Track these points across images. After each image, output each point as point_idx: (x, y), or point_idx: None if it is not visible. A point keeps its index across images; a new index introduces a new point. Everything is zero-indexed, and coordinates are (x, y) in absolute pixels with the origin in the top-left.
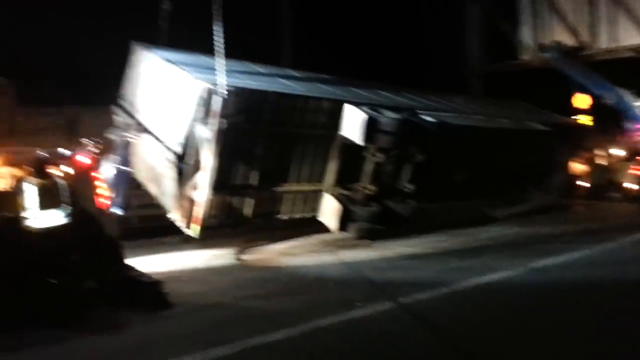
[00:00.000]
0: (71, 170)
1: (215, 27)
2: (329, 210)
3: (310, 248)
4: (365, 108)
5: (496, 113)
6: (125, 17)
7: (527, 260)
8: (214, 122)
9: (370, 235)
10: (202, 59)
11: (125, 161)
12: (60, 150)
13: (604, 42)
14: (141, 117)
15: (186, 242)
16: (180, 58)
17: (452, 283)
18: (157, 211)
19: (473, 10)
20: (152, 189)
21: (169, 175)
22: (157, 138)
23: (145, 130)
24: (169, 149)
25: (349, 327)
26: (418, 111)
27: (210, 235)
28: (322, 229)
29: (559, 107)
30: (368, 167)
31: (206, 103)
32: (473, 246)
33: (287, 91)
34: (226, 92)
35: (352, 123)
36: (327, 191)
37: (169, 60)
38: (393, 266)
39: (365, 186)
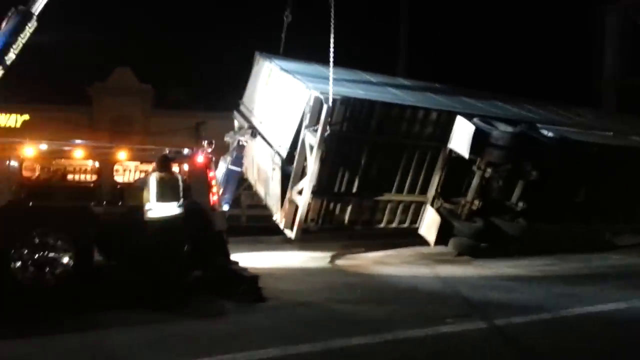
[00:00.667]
0: (189, 168)
1: (331, 39)
2: (430, 223)
3: (405, 259)
4: (476, 120)
5: (629, 130)
6: (251, 28)
7: None
8: (320, 129)
9: (472, 252)
10: (317, 69)
11: (238, 162)
12: (182, 149)
13: None
14: (256, 121)
15: (286, 242)
16: (296, 67)
17: (557, 309)
18: (263, 212)
19: (612, 19)
20: (259, 190)
21: (275, 177)
22: (267, 142)
23: (258, 134)
24: (276, 152)
25: (434, 341)
26: (537, 125)
27: (309, 238)
28: (420, 241)
29: None
30: (475, 182)
31: (314, 110)
32: (586, 273)
33: (395, 101)
34: (333, 101)
35: (461, 135)
36: (429, 203)
37: (284, 69)
38: (492, 286)
39: (471, 201)
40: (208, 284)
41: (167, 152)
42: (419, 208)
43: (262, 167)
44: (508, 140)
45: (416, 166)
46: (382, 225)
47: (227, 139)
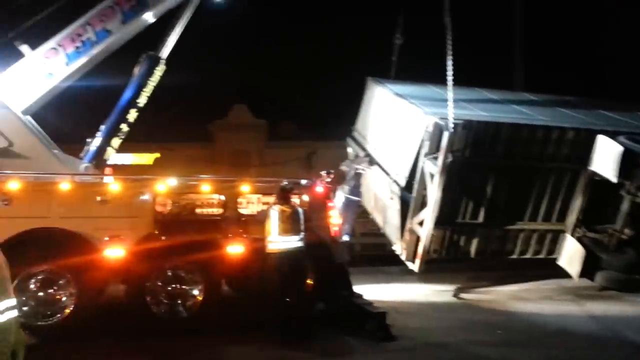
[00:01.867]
0: (308, 199)
1: (447, 60)
2: (571, 254)
3: (545, 293)
4: (622, 139)
5: None
6: (359, 54)
7: None
8: (441, 157)
9: (623, 286)
10: (432, 90)
11: (355, 191)
12: (301, 180)
13: None
14: (370, 148)
15: (406, 273)
16: (410, 91)
17: None
18: (377, 240)
19: None
20: (377, 218)
21: (393, 207)
22: (384, 170)
23: (374, 161)
24: (394, 181)
25: None
26: None
27: (432, 269)
28: (556, 273)
29: None
30: (624, 208)
31: (433, 137)
32: None
33: (522, 121)
34: (453, 126)
35: (606, 156)
36: (569, 232)
37: (398, 94)
38: None
39: (620, 230)
40: (331, 319)
41: (286, 183)
42: (556, 237)
43: (379, 195)
44: None
45: (552, 191)
46: (514, 256)
47: (343, 167)
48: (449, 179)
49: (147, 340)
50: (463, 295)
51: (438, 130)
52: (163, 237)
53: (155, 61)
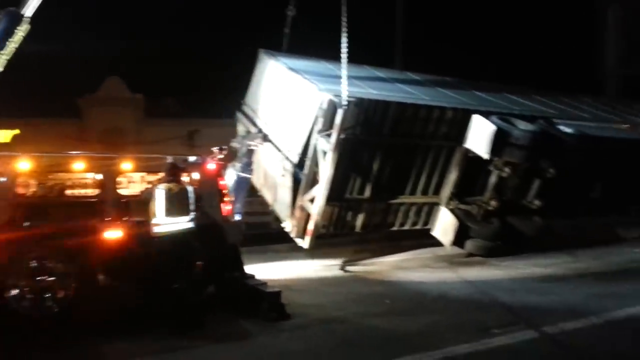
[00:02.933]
0: (199, 177)
1: (342, 37)
2: (445, 225)
3: (424, 262)
4: (494, 118)
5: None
6: (242, 29)
7: None
8: (335, 134)
9: (489, 253)
10: (325, 66)
11: (247, 169)
12: (190, 157)
13: None
14: (262, 123)
15: (293, 250)
16: (303, 66)
17: (602, 311)
18: (262, 219)
19: (614, 10)
20: (267, 196)
21: (285, 184)
22: (276, 146)
23: (265, 138)
24: (287, 158)
25: (488, 357)
26: (554, 120)
27: (317, 244)
28: (431, 242)
29: None
30: (491, 181)
31: (327, 114)
32: (616, 270)
33: (409, 100)
34: (347, 104)
35: (480, 135)
36: (443, 204)
37: (291, 69)
38: (527, 289)
39: (487, 201)
40: (224, 302)
41: (174, 160)
42: (431, 209)
43: (270, 172)
44: (529, 139)
45: (430, 167)
46: (395, 227)
47: (234, 144)
48: (341, 155)
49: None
50: (350, 268)
51: (332, 107)
52: (25, 224)
53: (17, 18)
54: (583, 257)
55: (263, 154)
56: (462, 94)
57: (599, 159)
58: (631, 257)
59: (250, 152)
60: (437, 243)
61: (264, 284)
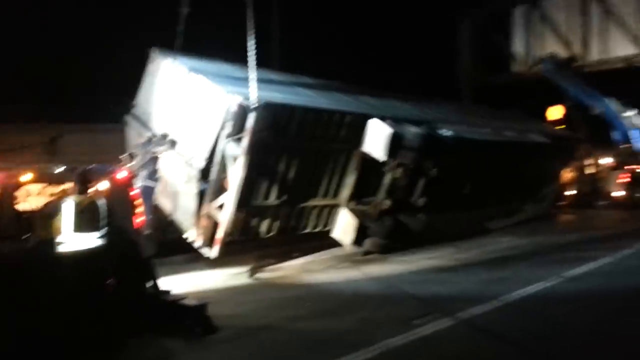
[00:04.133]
0: (108, 187)
1: (249, 39)
2: (345, 225)
3: (327, 264)
4: (388, 122)
5: (500, 124)
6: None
7: (557, 269)
8: (246, 138)
9: (384, 250)
10: (223, 67)
11: (153, 177)
12: (98, 165)
13: (595, 53)
14: (157, 127)
15: (191, 261)
16: (202, 66)
17: (499, 295)
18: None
19: (466, 23)
20: (165, 204)
21: (189, 191)
22: (178, 152)
23: (173, 144)
24: (191, 164)
25: (423, 345)
26: (435, 124)
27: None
28: (328, 243)
29: (543, 118)
30: (386, 182)
31: (236, 118)
32: (495, 257)
33: (312, 104)
34: (257, 107)
35: (377, 138)
36: (343, 206)
37: (193, 70)
38: (426, 280)
39: (381, 201)
40: (142, 321)
41: (82, 169)
42: (331, 211)
43: (170, 179)
44: (419, 142)
45: (330, 170)
46: (299, 232)
47: (136, 151)
48: (251, 161)
49: None
50: (258, 275)
51: (241, 111)
52: None
53: None
54: (463, 248)
55: (162, 161)
56: (353, 98)
57: (470, 159)
58: (502, 245)
59: (155, 160)
60: (332, 244)
61: (184, 297)
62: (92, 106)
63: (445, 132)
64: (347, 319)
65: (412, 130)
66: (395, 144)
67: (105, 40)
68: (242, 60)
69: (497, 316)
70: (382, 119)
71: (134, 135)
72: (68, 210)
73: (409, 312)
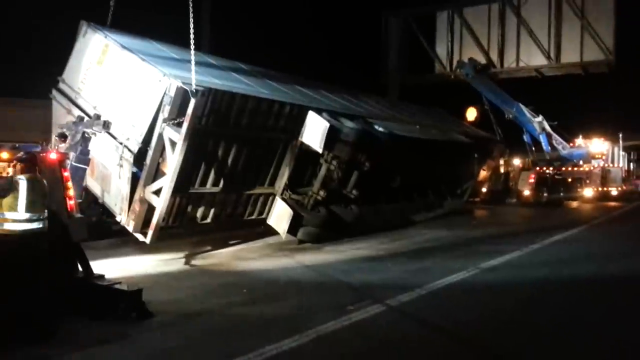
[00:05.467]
0: (41, 168)
1: (190, 22)
2: (280, 214)
3: (261, 252)
4: (326, 115)
5: (427, 122)
6: None
7: (475, 261)
8: (186, 123)
9: (318, 239)
10: (155, 46)
11: (84, 159)
12: (28, 145)
13: (511, 61)
14: (85, 104)
15: (118, 246)
16: (135, 45)
17: (423, 284)
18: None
19: (394, 23)
20: (94, 188)
21: (122, 175)
22: (110, 133)
23: (106, 125)
24: (125, 146)
25: (358, 331)
26: (369, 119)
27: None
28: (262, 231)
29: (461, 118)
30: (321, 173)
31: (174, 102)
32: (419, 248)
33: (251, 93)
34: (199, 92)
35: (314, 130)
36: (278, 195)
37: (126, 48)
38: (357, 268)
39: (317, 192)
40: (75, 306)
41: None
42: (266, 200)
43: (100, 161)
44: (354, 136)
45: (268, 159)
46: (233, 219)
47: (64, 130)
48: (189, 146)
49: None
50: (192, 261)
51: (180, 95)
52: None
53: None
54: (390, 239)
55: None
56: (289, 87)
57: (399, 154)
58: (424, 237)
59: (86, 140)
60: (267, 232)
61: (118, 282)
62: (13, 80)
63: (379, 127)
64: (283, 305)
65: (348, 125)
66: (332, 137)
67: (33, 13)
68: (170, 40)
69: (423, 303)
70: (319, 111)
71: (61, 112)
72: (23, 189)
73: (342, 299)
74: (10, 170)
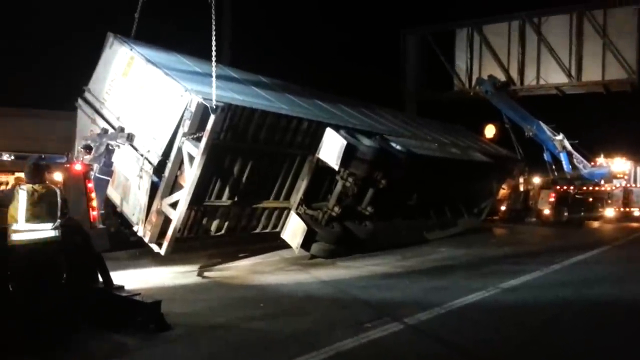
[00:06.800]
0: (63, 179)
1: (212, 38)
2: (294, 229)
3: (276, 265)
4: (343, 132)
5: (446, 140)
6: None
7: (494, 280)
8: (205, 138)
9: (331, 255)
10: (180, 60)
11: (107, 170)
12: (54, 156)
13: (531, 79)
14: (109, 115)
15: (137, 257)
16: (160, 59)
17: (442, 303)
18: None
19: (412, 39)
20: (114, 197)
21: (141, 186)
22: (132, 145)
23: (130, 137)
24: (146, 158)
25: (375, 348)
26: (386, 137)
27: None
28: (276, 245)
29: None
30: (337, 190)
31: (194, 117)
32: (437, 266)
33: (271, 109)
34: (218, 109)
35: (331, 147)
36: (293, 210)
37: (150, 62)
38: (374, 285)
39: (331, 208)
40: (95, 316)
41: (37, 158)
42: (281, 214)
43: (120, 171)
44: (372, 155)
45: (284, 174)
46: (248, 231)
47: (88, 142)
48: (207, 160)
49: None
50: (207, 274)
51: (200, 110)
52: None
53: None
54: (405, 256)
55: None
56: (309, 102)
57: (418, 172)
58: (441, 255)
59: (110, 152)
60: (279, 246)
61: (138, 294)
62: (37, 91)
63: (396, 145)
64: (300, 320)
65: (365, 143)
66: (349, 155)
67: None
68: (194, 52)
69: (442, 322)
70: (337, 128)
71: (86, 121)
72: (23, 199)
73: (359, 316)
74: (11, 180)
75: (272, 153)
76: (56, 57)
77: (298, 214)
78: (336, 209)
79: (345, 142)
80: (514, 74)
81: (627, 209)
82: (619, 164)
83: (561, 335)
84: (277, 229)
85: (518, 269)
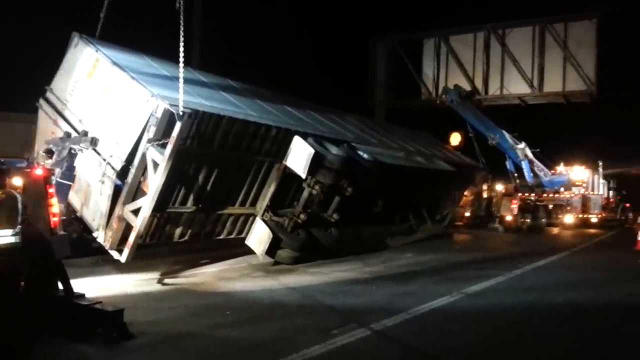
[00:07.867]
0: (22, 184)
1: (180, 42)
2: (259, 235)
3: (243, 272)
4: (311, 140)
5: (412, 149)
6: None
7: (460, 285)
8: (170, 145)
9: (296, 261)
10: (147, 62)
11: (69, 175)
12: (14, 160)
13: (495, 89)
14: (71, 117)
15: (97, 265)
16: (127, 61)
17: (408, 308)
18: None
19: (381, 47)
20: (74, 201)
21: (103, 191)
22: (95, 150)
23: (93, 142)
24: (108, 164)
25: (344, 356)
26: (354, 145)
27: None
28: (240, 252)
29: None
30: (303, 197)
31: (160, 123)
32: (403, 272)
33: (239, 115)
34: (184, 115)
35: (299, 156)
36: (259, 216)
37: (116, 64)
38: (341, 291)
39: (297, 214)
40: (54, 325)
41: None
42: (247, 220)
43: (82, 175)
44: (339, 163)
45: (251, 180)
46: (213, 237)
47: (50, 146)
48: (172, 167)
49: None
50: (171, 281)
51: (167, 117)
52: None
53: None
54: (370, 262)
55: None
56: (279, 109)
57: (384, 180)
58: (407, 261)
59: (72, 156)
60: (246, 252)
61: (99, 302)
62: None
63: (363, 154)
64: (268, 327)
65: (332, 151)
66: (316, 163)
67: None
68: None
69: (408, 328)
70: (306, 136)
71: (47, 121)
72: None
73: (327, 322)
74: None
75: (239, 160)
76: (14, 56)
77: (264, 221)
78: (302, 215)
79: (313, 151)
80: (479, 83)
81: (585, 216)
82: (578, 172)
83: (524, 339)
84: (242, 235)
85: (482, 274)
